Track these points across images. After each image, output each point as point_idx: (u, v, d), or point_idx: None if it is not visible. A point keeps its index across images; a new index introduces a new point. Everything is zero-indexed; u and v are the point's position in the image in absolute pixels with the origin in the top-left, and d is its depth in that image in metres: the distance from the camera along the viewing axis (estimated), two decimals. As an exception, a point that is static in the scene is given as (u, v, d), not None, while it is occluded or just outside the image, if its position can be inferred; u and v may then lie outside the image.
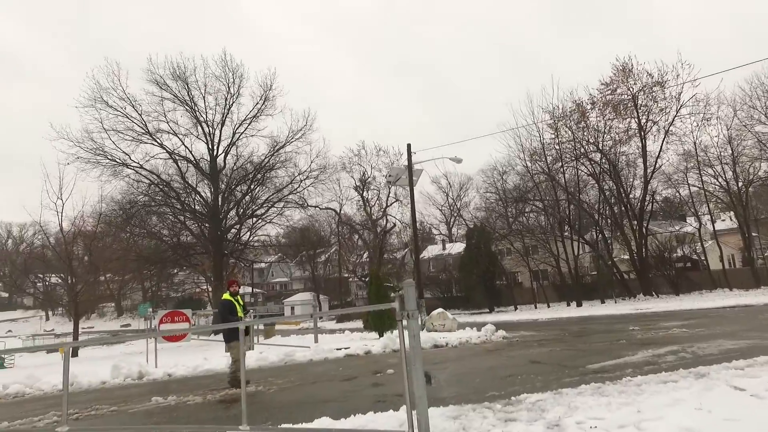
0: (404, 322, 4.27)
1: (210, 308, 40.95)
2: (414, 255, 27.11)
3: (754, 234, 36.01)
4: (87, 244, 28.56)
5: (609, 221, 38.06)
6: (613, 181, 35.02)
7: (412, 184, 22.94)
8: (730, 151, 32.93)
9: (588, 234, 38.89)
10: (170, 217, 32.45)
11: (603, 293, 34.08)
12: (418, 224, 31.96)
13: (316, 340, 16.29)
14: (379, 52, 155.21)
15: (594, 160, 35.06)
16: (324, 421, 5.40)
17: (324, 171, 33.85)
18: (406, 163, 23.32)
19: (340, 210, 45.85)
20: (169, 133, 30.66)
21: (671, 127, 32.66)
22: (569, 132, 34.89)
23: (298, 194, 33.26)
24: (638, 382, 5.98)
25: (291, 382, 9.32)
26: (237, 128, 31.96)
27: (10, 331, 61.84)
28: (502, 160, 51.07)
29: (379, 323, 16.86)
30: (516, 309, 37.61)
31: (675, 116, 32.39)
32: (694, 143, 33.35)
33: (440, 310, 18.22)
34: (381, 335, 16.08)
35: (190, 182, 31.82)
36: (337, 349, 13.38)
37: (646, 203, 34.60)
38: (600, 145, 34.39)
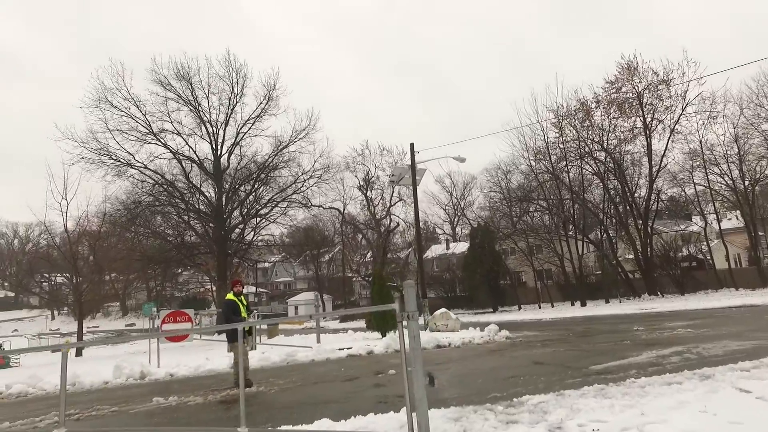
0: (405, 323, 4.23)
1: (214, 308, 41.04)
2: (417, 254, 27.06)
3: (760, 233, 35.75)
4: (92, 243, 28.66)
5: (614, 220, 37.88)
6: (617, 180, 34.83)
7: (415, 184, 22.89)
8: (737, 150, 32.70)
9: (592, 233, 38.71)
10: (174, 216, 32.48)
11: (607, 293, 33.91)
12: (421, 224, 31.92)
13: (318, 340, 16.26)
14: (379, 52, 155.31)
15: (599, 159, 34.90)
16: (324, 423, 5.37)
17: (327, 171, 33.79)
18: (409, 162, 23.25)
19: (344, 209, 45.79)
20: (173, 133, 30.68)
21: (677, 126, 32.51)
22: (574, 131, 34.77)
23: (301, 194, 33.23)
24: (642, 384, 5.92)
25: (293, 382, 9.30)
26: (241, 128, 31.95)
27: (16, 330, 62.21)
28: (506, 159, 51.05)
29: (382, 323, 16.81)
30: (520, 309, 37.47)
31: (681, 114, 32.24)
32: (700, 142, 33.14)
33: (443, 310, 18.17)
34: (384, 335, 16.05)
35: (194, 182, 31.82)
36: (340, 350, 13.35)
37: (651, 202, 34.40)
38: (605, 144, 34.22)
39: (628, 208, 35.48)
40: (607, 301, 32.77)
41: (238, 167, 32.52)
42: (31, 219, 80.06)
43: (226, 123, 31.77)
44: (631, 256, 36.10)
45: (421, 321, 17.09)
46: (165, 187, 30.88)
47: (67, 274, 32.62)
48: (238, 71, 31.17)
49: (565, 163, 35.88)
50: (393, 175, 26.33)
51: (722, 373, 6.15)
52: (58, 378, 10.71)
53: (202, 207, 32.23)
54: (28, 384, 10.87)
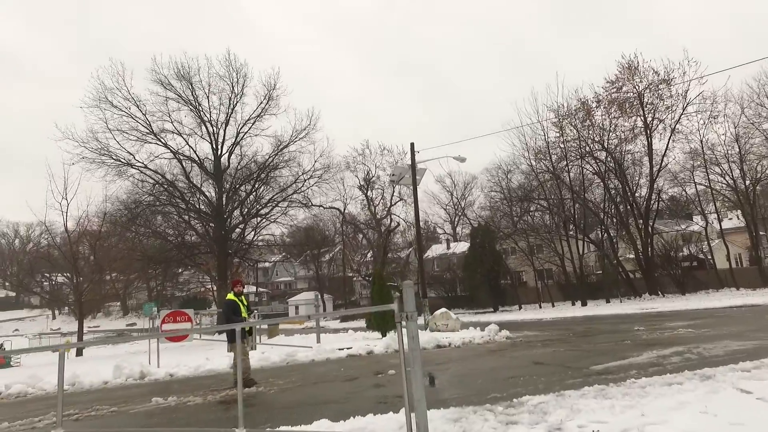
0: (404, 323, 4.21)
1: (214, 307, 41.04)
2: (418, 254, 27.04)
3: (761, 233, 35.69)
4: (92, 243, 28.64)
5: (614, 220, 37.83)
6: (618, 179, 34.79)
7: (415, 183, 22.86)
8: (738, 149, 32.64)
9: (593, 233, 38.66)
10: (175, 216, 32.50)
11: (608, 293, 33.87)
12: (422, 223, 31.91)
13: (318, 340, 16.24)
14: (380, 52, 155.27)
15: (599, 158, 34.85)
16: (323, 424, 5.34)
17: (328, 170, 33.82)
18: (409, 162, 23.22)
19: (345, 209, 45.80)
20: (173, 132, 30.71)
21: (677, 125, 32.46)
22: (574, 130, 34.72)
23: (302, 194, 33.26)
24: (642, 384, 5.89)
25: (292, 382, 9.28)
26: (241, 128, 31.97)
27: (17, 330, 62.27)
28: (506, 159, 50.89)
29: (382, 323, 16.79)
30: (520, 308, 37.44)
31: (681, 114, 32.18)
32: (701, 141, 33.09)
33: (443, 309, 18.14)
34: (384, 335, 16.03)
35: (194, 182, 31.84)
36: (339, 350, 13.34)
37: (652, 202, 34.34)
38: (605, 144, 34.18)
39: (628, 207, 35.43)
40: (607, 301, 32.73)
41: (239, 167, 32.54)
42: (32, 219, 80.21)
43: (227, 123, 31.80)
44: (631, 256, 36.05)
45: (421, 321, 17.09)
46: (165, 186, 30.90)
47: (68, 274, 32.57)
48: (239, 71, 31.21)
49: (565, 162, 35.84)
50: (393, 175, 26.30)
51: (723, 374, 6.12)
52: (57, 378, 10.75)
53: (202, 207, 32.25)
54: (28, 384, 10.86)
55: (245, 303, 9.78)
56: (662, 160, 33.31)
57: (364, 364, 11.17)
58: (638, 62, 32.45)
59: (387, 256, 45.54)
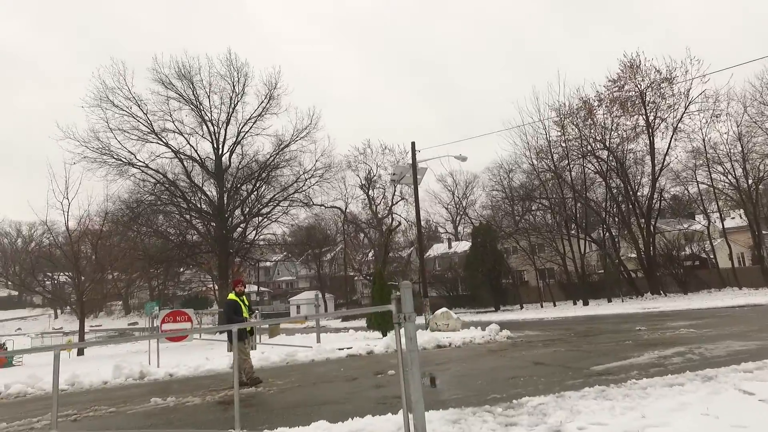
0: (402, 324, 4.16)
1: (216, 307, 41.06)
2: (419, 253, 26.99)
3: (764, 232, 35.55)
4: (93, 242, 28.66)
5: (616, 219, 37.73)
6: (620, 178, 34.69)
7: (416, 183, 22.80)
8: (740, 148, 32.54)
9: (595, 232, 38.57)
10: (176, 216, 32.51)
11: (610, 292, 33.78)
12: (423, 223, 31.89)
13: (318, 340, 16.21)
14: (382, 52, 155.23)
15: (601, 157, 34.74)
16: (321, 425, 5.30)
17: (329, 169, 33.81)
18: (411, 161, 23.16)
19: (346, 208, 45.86)
20: (174, 132, 30.75)
21: (680, 124, 32.36)
22: (576, 129, 34.63)
23: (303, 193, 33.24)
24: (643, 385, 5.84)
25: (291, 382, 9.25)
26: (242, 127, 31.98)
27: (19, 329, 62.51)
28: (508, 158, 50.70)
29: (382, 323, 16.76)
30: (522, 308, 37.37)
31: (684, 113, 32.06)
32: (703, 140, 33.01)
33: (444, 309, 18.09)
34: (384, 335, 16.00)
35: (195, 181, 31.85)
36: (340, 349, 13.30)
37: (654, 201, 34.24)
38: (607, 143, 34.07)
39: (630, 206, 35.33)
40: (609, 301, 32.64)
41: (240, 166, 32.55)
42: (34, 218, 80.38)
43: (228, 122, 31.81)
44: (633, 255, 35.95)
45: (422, 320, 17.04)
46: (167, 186, 30.92)
47: (70, 273, 32.62)
48: (240, 70, 31.22)
49: (567, 161, 35.74)
50: (394, 174, 26.27)
51: (725, 375, 6.06)
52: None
53: (203, 206, 32.27)
54: (28, 384, 10.85)
55: (246, 303, 9.79)
56: (664, 159, 33.23)
57: (364, 364, 11.13)
58: (640, 61, 32.39)
59: (388, 255, 45.44)
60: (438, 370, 8.86)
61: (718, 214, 37.35)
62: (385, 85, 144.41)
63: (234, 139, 32.03)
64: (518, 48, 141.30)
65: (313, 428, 5.23)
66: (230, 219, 32.62)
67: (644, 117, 33.07)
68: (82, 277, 27.92)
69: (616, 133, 34.07)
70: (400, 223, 46.54)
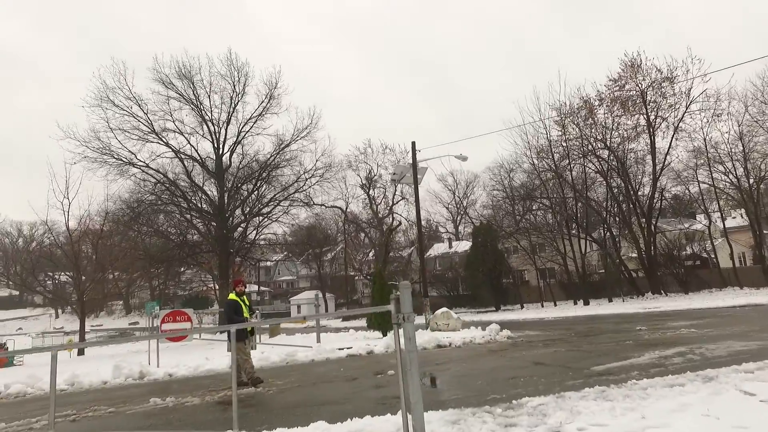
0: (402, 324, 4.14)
1: (216, 306, 41.08)
2: (419, 253, 26.97)
3: (765, 231, 35.49)
4: (94, 242, 28.67)
5: (617, 219, 37.68)
6: (621, 178, 34.64)
7: (416, 182, 22.77)
8: (741, 148, 32.48)
9: (596, 232, 38.52)
10: (177, 215, 32.51)
11: (611, 292, 33.73)
12: (424, 222, 31.93)
13: (318, 340, 16.19)
14: (383, 51, 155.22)
15: (602, 157, 34.70)
16: (320, 425, 5.29)
17: (330, 169, 33.78)
18: (411, 161, 23.13)
19: (347, 208, 45.84)
20: (174, 132, 30.72)
21: (681, 124, 32.31)
22: (577, 129, 34.60)
23: (303, 192, 33.21)
24: (644, 386, 5.81)
25: (291, 382, 9.23)
26: (242, 127, 31.96)
27: (20, 328, 62.60)
28: (508, 157, 50.86)
29: (382, 322, 16.73)
30: (522, 307, 37.33)
31: (685, 112, 32.02)
32: (704, 140, 32.96)
33: (444, 309, 18.06)
34: (384, 334, 15.99)
35: (196, 181, 31.83)
36: (339, 349, 13.28)
37: (655, 201, 34.19)
38: (608, 142, 34.03)
39: (631, 206, 35.28)
40: (610, 300, 32.60)
41: (240, 166, 32.54)
42: (35, 218, 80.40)
43: (228, 122, 31.80)
44: (634, 255, 35.90)
45: (422, 320, 17.02)
46: (167, 186, 30.91)
47: (71, 273, 32.64)
48: (240, 70, 31.20)
49: (568, 161, 35.70)
50: (395, 174, 26.24)
51: (726, 375, 6.03)
52: (57, 378, 10.73)
53: (204, 206, 32.25)
54: (27, 384, 10.85)
55: (247, 303, 9.78)
56: (665, 159, 33.20)
57: (363, 364, 11.11)
58: (641, 60, 32.34)
59: (389, 255, 45.44)
60: (438, 370, 8.84)
61: (719, 214, 37.29)
62: (385, 85, 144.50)
63: (234, 139, 32.04)
64: (518, 48, 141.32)
65: (312, 429, 5.21)
66: (231, 219, 32.61)
67: (645, 116, 33.02)
68: (83, 277, 27.94)
69: (616, 133, 34.08)
70: (400, 223, 46.56)
